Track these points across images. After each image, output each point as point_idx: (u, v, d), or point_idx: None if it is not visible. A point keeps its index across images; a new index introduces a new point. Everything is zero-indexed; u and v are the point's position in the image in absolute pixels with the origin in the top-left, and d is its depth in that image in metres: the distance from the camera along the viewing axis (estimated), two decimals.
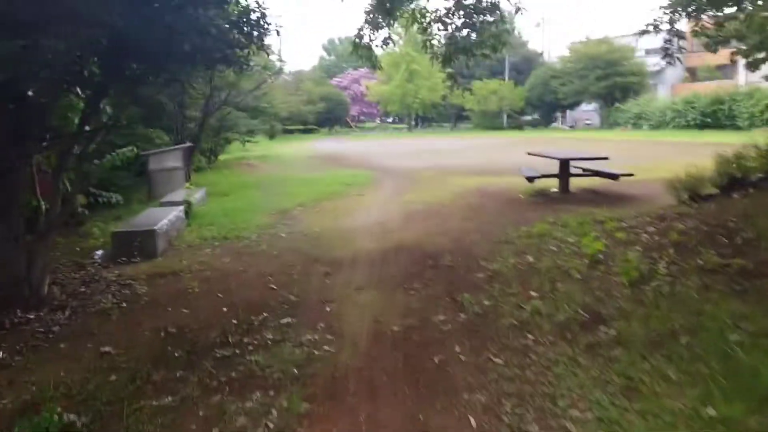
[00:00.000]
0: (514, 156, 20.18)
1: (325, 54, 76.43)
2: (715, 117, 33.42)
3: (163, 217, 7.17)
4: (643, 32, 9.75)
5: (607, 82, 42.42)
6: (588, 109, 51.82)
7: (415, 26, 9.10)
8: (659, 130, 35.37)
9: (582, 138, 31.00)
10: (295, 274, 5.57)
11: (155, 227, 6.57)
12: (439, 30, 9.18)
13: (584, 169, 10.66)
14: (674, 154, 18.14)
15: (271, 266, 5.93)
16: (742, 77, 39.69)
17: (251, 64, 6.34)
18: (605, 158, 9.61)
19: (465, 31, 7.86)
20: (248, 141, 21.09)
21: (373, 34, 9.70)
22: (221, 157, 22.24)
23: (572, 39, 47.07)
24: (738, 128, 31.71)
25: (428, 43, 9.39)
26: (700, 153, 18.89)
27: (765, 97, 30.37)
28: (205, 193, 10.58)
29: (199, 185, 13.69)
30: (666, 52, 11.17)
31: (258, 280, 5.44)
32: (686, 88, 46.55)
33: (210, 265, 6.02)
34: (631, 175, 9.62)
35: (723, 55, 38.99)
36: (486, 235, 6.99)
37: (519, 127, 49.32)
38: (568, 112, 54.18)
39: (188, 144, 12.49)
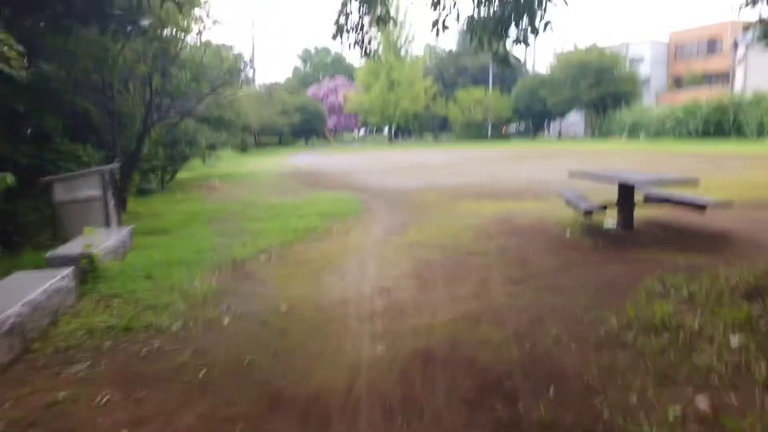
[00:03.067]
0: (519, 172, 17.50)
1: (300, 64, 73.49)
2: (718, 125, 31.27)
3: (16, 301, 4.17)
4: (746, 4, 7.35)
5: (599, 90, 40.25)
6: (573, 119, 49.82)
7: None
8: (658, 140, 33.13)
9: (581, 149, 28.51)
10: None
11: None
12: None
13: (648, 196, 7.89)
14: (708, 167, 15.55)
15: (185, 423, 2.97)
16: (740, 84, 37.91)
17: (145, 25, 3.40)
18: (694, 181, 6.83)
19: None
20: (210, 157, 18.06)
21: (363, 9, 6.91)
22: (181, 175, 19.21)
23: (555, 47, 44.92)
24: (744, 137, 29.60)
25: (442, 24, 6.70)
26: (738, 166, 16.36)
27: None
28: (130, 234, 7.54)
29: (140, 216, 10.73)
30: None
31: None
32: (672, 96, 44.73)
33: (55, 427, 3.03)
34: (728, 205, 6.84)
35: (709, 63, 37.75)
36: (568, 323, 4.13)
37: (505, 137, 46.93)
38: (553, 121, 52.14)
39: (114, 164, 9.45)
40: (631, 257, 6.08)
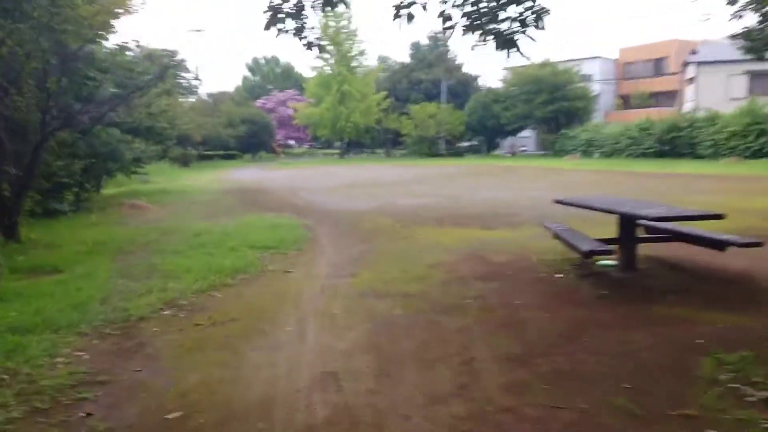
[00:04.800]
0: (480, 191, 16.22)
1: (249, 74, 71.18)
2: (673, 144, 30.96)
3: None
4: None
5: (553, 106, 39.83)
6: (524, 136, 49.44)
7: None
8: (613, 159, 32.65)
9: (538, 168, 27.67)
10: None
11: None
12: None
13: (650, 230, 6.57)
14: (680, 190, 14.61)
15: None
16: (690, 103, 38.13)
17: None
18: (718, 216, 5.49)
19: None
20: (135, 172, 16.03)
21: None
22: (108, 191, 17.13)
23: (506, 62, 44.48)
24: (699, 156, 29.33)
25: (407, 11, 5.26)
26: (710, 188, 15.23)
27: (728, 124, 28.14)
28: None
29: (33, 246, 8.81)
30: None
31: None
32: (620, 115, 44.89)
33: None
34: (758, 244, 5.53)
35: (656, 81, 37.87)
36: None
37: (458, 154, 46.01)
38: (503, 139, 51.65)
39: None
40: (651, 315, 4.67)
